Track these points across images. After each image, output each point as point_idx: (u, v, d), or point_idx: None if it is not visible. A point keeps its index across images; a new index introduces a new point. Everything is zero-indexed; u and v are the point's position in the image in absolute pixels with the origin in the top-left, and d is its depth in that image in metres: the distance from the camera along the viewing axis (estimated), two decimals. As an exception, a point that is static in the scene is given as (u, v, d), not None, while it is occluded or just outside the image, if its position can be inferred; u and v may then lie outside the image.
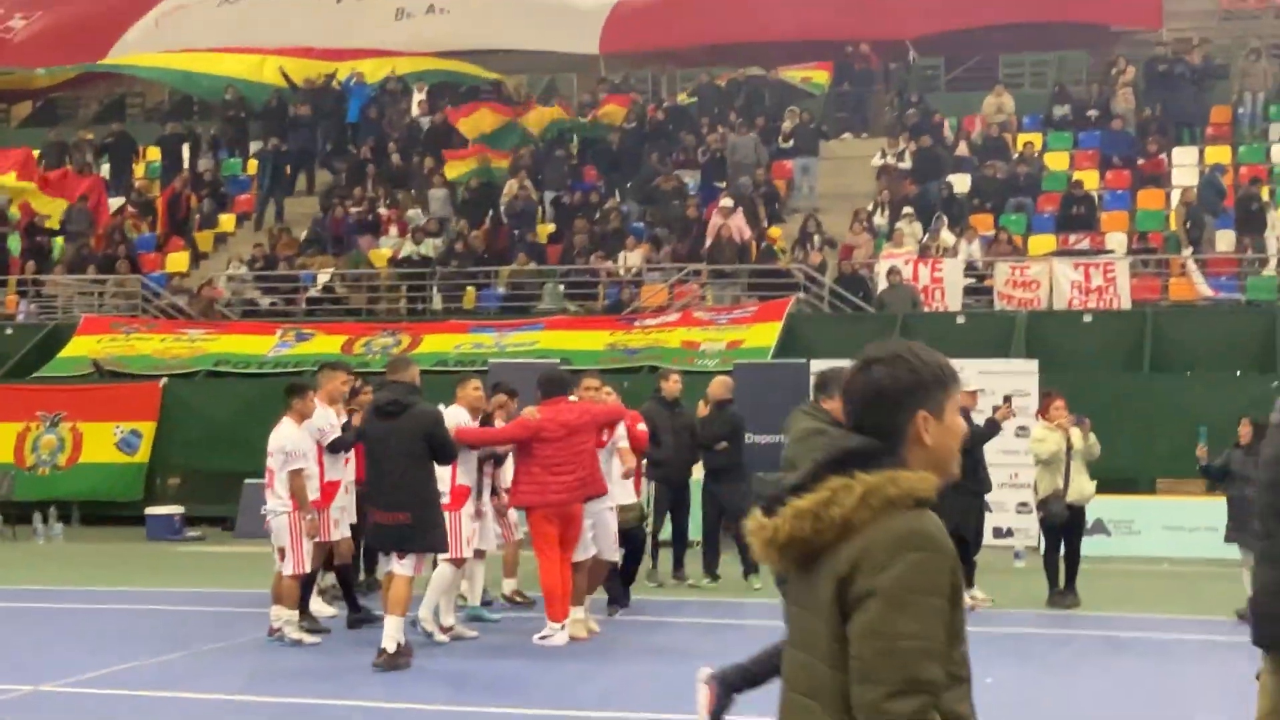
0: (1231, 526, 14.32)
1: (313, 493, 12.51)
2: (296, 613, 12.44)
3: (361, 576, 14.36)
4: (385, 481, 11.68)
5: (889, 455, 3.62)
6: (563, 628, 12.47)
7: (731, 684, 8.85)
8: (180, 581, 16.23)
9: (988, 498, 15.64)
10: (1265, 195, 24.45)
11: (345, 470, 13.43)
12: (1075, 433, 14.94)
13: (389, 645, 11.40)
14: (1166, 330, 22.05)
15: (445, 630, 12.45)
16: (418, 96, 31.41)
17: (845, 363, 14.75)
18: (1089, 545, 15.84)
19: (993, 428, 15.26)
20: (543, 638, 12.40)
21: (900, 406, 3.67)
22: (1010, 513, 18.50)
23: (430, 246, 26.13)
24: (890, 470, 3.54)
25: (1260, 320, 22.11)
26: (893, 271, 23.28)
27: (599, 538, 12.98)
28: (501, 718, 10.47)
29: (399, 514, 11.51)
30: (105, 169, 30.57)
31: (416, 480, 11.57)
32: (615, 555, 13.46)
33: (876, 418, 3.70)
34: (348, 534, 13.41)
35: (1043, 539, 15.77)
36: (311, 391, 12.95)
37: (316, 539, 12.65)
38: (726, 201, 25.73)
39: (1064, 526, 15.08)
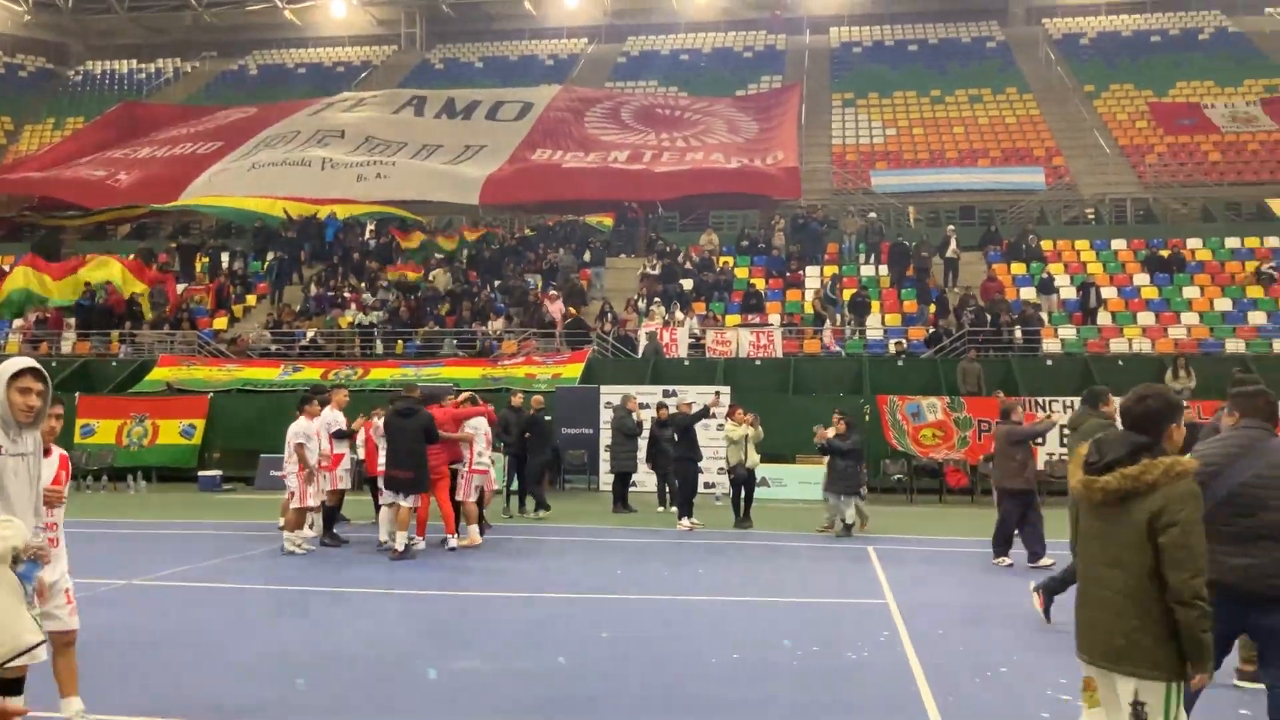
0: (827, 482, 14.51)
1: (315, 460, 12.64)
2: (297, 533, 12.49)
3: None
4: (400, 453, 12.03)
5: (1159, 448, 3.96)
6: (456, 536, 12.68)
7: (1053, 589, 8.47)
8: (220, 516, 16.09)
9: (701, 463, 16.09)
10: (866, 296, 25.56)
11: (349, 449, 13.61)
12: (750, 429, 15.44)
13: (399, 545, 11.83)
14: (802, 370, 22.86)
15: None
16: (370, 227, 31.40)
17: (627, 388, 15.07)
18: (758, 493, 16.12)
19: (705, 412, 15.80)
20: (448, 545, 12.51)
21: (1164, 422, 4.01)
22: (713, 473, 18.59)
23: (375, 316, 26.19)
24: (1163, 457, 3.90)
25: (852, 364, 23.03)
26: (649, 335, 23.95)
27: (460, 488, 12.95)
28: (483, 599, 10.40)
29: (409, 471, 11.94)
30: (177, 264, 29.99)
31: (417, 453, 11.99)
32: (468, 497, 13.02)
33: (1152, 427, 4.00)
34: (346, 487, 13.54)
35: (730, 489, 15.66)
36: (315, 401, 13.14)
37: (326, 488, 12.89)
38: (553, 293, 26.23)
39: (743, 481, 15.32)
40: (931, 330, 23.99)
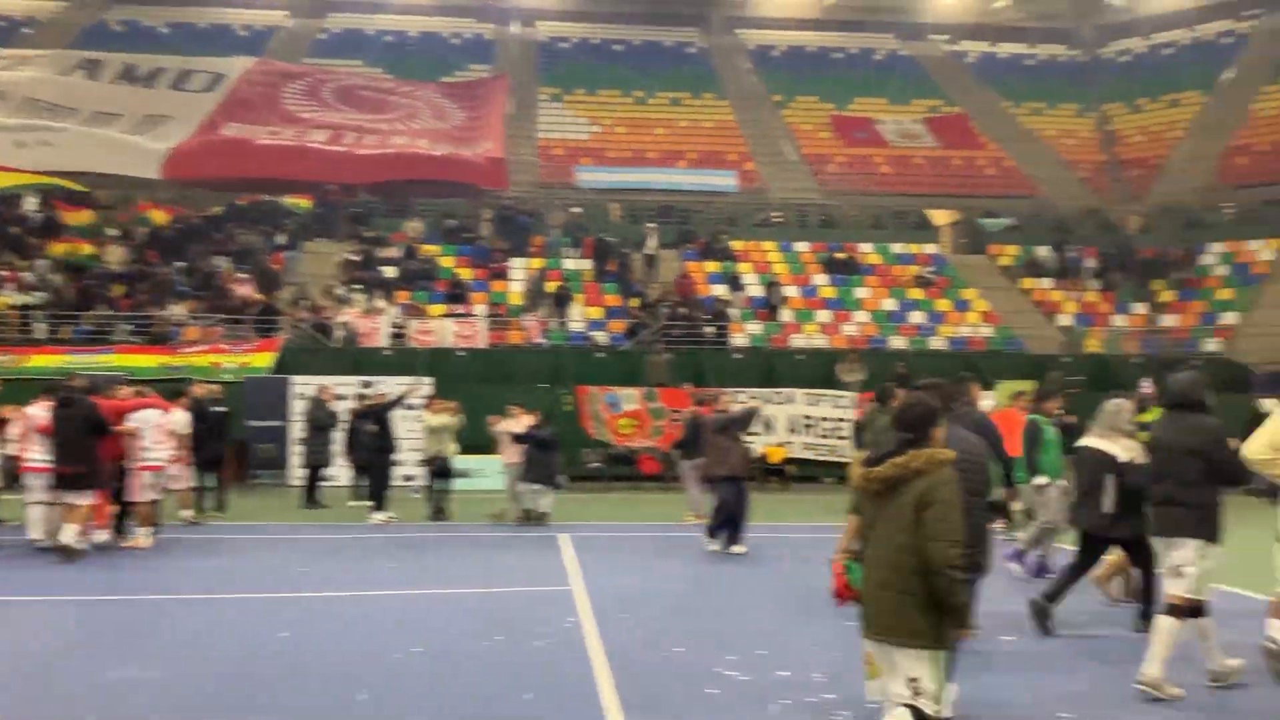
0: (522, 471, 14.41)
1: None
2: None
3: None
4: (67, 447, 11.14)
5: (924, 443, 4.59)
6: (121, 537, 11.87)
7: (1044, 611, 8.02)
8: None
9: (398, 455, 15.57)
10: (569, 290, 25.90)
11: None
12: (450, 418, 15.27)
13: (73, 543, 10.97)
14: (505, 361, 22.87)
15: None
16: (32, 199, 28.46)
17: (323, 379, 14.46)
18: (459, 484, 15.82)
19: (399, 400, 15.49)
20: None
21: (929, 424, 4.64)
22: (411, 466, 18.00)
23: (37, 297, 23.77)
24: (928, 448, 4.56)
25: (552, 355, 23.29)
26: (346, 323, 23.20)
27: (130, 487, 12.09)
28: (152, 602, 9.66)
29: (79, 466, 11.04)
30: None
31: (86, 447, 11.16)
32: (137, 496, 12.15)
33: (919, 427, 4.64)
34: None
35: (428, 480, 15.48)
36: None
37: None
38: (242, 277, 24.85)
39: (441, 473, 15.13)
40: (631, 323, 24.72)
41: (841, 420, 20.83)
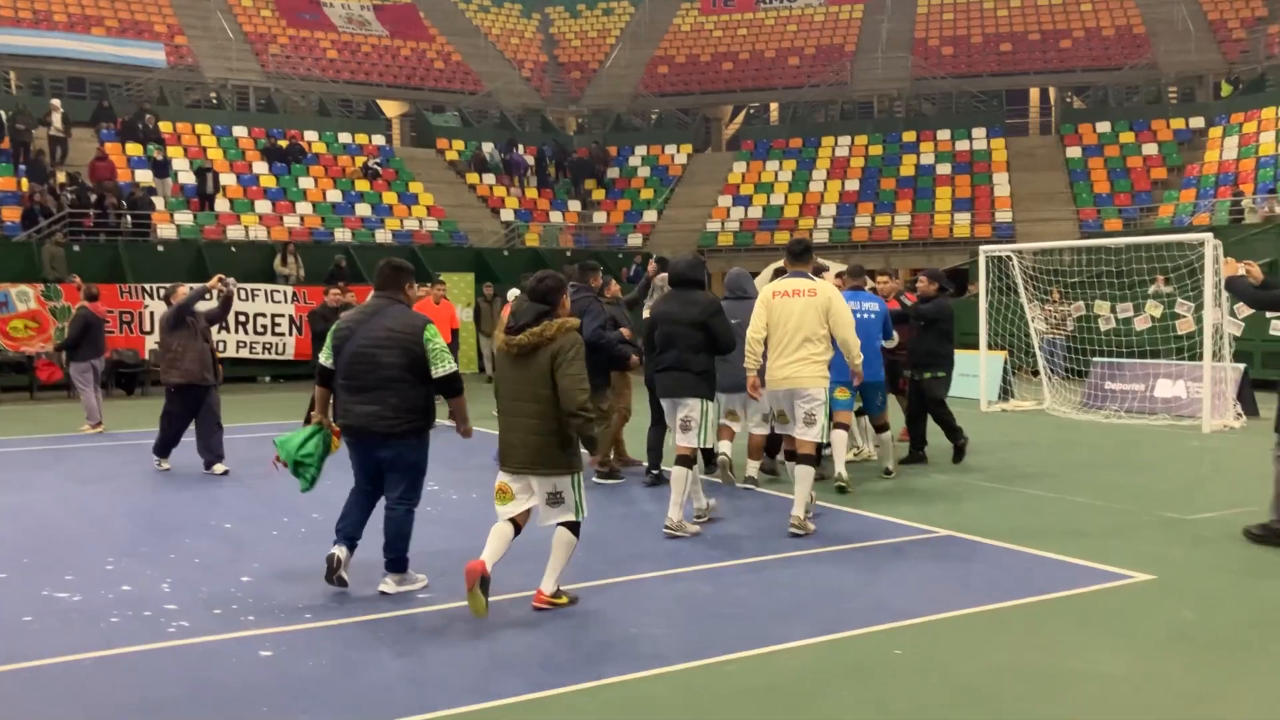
0: None
1: None
2: None
3: None
4: None
5: (554, 313, 5.37)
6: None
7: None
8: None
9: None
10: None
11: None
12: None
13: None
14: None
15: None
16: None
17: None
18: None
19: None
20: None
21: (558, 295, 5.42)
22: None
23: None
24: (557, 319, 5.33)
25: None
26: None
27: None
28: None
29: None
30: None
31: None
32: None
33: (551, 299, 5.40)
34: None
35: None
36: None
37: None
38: None
39: None
40: (28, 209, 21.43)
41: (279, 317, 19.86)
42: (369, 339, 5.62)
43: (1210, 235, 12.38)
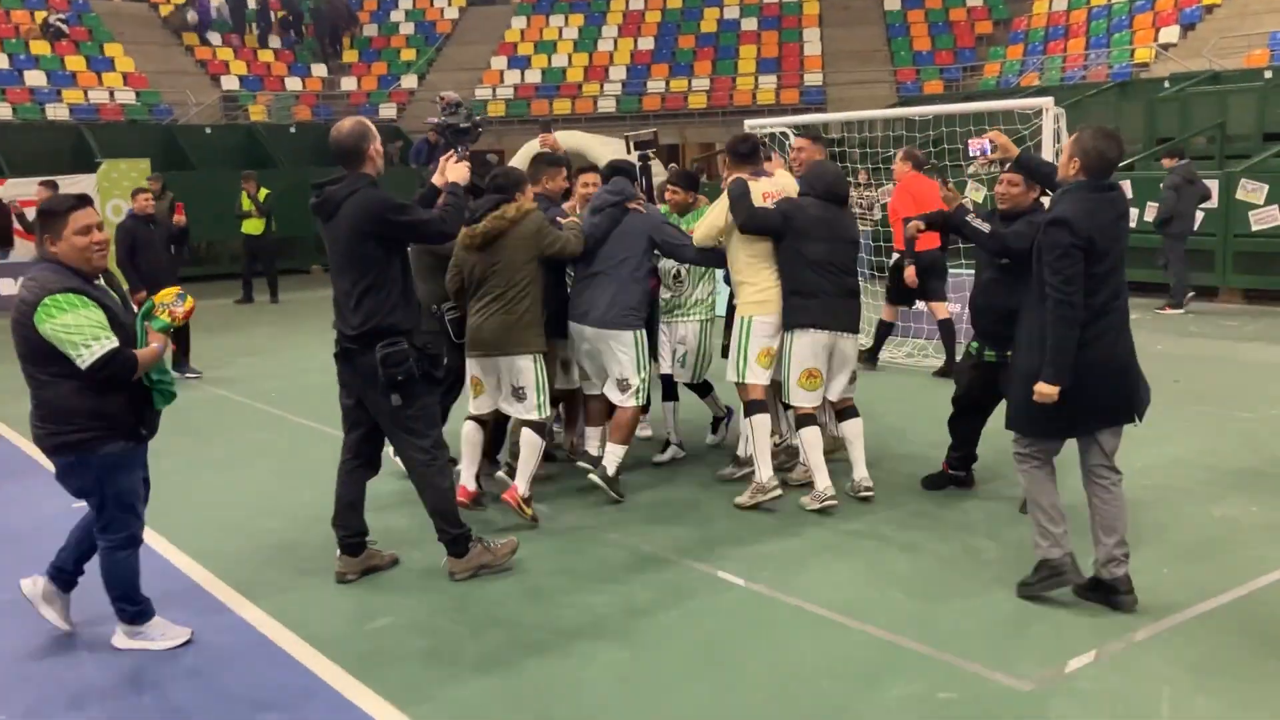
0: None
1: None
2: None
3: None
4: None
5: (514, 197, 5.31)
6: None
7: None
8: None
9: None
10: None
11: None
12: None
13: None
14: None
15: None
16: None
17: None
18: None
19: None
20: None
21: (522, 184, 5.41)
22: None
23: None
24: (516, 202, 5.30)
25: None
26: None
27: None
28: None
29: None
30: None
31: None
32: None
33: (511, 189, 5.32)
34: None
35: None
36: None
37: None
38: None
39: None
40: None
41: None
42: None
43: (1050, 100, 9.26)
